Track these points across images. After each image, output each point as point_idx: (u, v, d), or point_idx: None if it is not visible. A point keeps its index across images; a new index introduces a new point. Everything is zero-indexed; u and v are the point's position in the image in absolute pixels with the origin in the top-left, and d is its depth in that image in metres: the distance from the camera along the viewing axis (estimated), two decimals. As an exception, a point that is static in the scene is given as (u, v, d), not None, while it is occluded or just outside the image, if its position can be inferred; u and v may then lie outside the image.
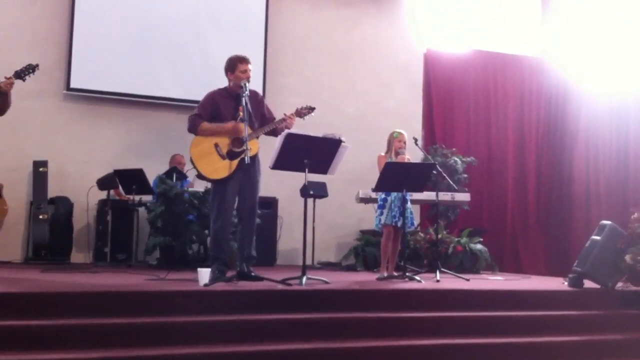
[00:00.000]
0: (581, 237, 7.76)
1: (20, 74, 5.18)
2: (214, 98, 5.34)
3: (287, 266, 8.24)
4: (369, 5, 9.97)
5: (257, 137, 5.30)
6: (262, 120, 5.42)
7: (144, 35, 8.69)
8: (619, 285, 5.39)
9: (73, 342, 3.65)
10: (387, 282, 5.69)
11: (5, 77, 5.08)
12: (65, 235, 8.00)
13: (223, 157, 5.20)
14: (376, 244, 7.70)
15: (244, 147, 4.94)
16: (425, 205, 9.34)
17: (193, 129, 5.26)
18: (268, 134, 5.42)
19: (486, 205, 10.22)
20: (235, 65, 5.30)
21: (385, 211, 6.15)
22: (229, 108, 5.30)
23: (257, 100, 5.44)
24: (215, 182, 5.27)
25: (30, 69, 5.20)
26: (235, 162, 5.17)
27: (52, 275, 5.69)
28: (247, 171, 5.10)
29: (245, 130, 5.00)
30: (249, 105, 5.15)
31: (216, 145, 5.21)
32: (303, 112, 5.50)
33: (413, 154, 6.88)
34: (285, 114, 5.38)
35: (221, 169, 5.17)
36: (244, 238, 5.28)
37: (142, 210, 8.05)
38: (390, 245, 6.20)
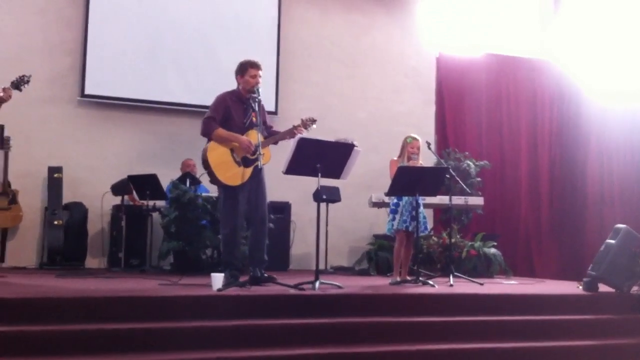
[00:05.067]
0: (595, 241, 7.71)
1: (18, 85, 5.23)
2: (226, 101, 5.34)
3: (300, 271, 8.24)
4: (379, 11, 9.97)
5: (268, 146, 5.36)
6: (264, 127, 5.47)
7: (157, 43, 8.76)
8: (634, 289, 5.35)
9: (87, 347, 3.67)
10: (401, 287, 5.67)
11: (3, 88, 5.12)
12: (79, 240, 8.03)
13: (239, 164, 5.21)
14: (389, 248, 7.68)
15: (258, 153, 4.96)
16: (438, 210, 9.31)
17: (207, 133, 5.24)
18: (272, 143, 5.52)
19: (499, 209, 10.15)
20: (246, 69, 5.33)
21: (397, 216, 6.13)
22: (238, 112, 5.32)
23: (262, 107, 5.46)
24: (227, 187, 5.27)
25: (25, 79, 5.26)
26: (250, 169, 5.19)
27: (67, 281, 5.72)
28: (257, 177, 5.12)
29: (258, 136, 5.03)
30: (264, 110, 5.20)
31: (232, 151, 5.23)
32: (307, 124, 5.54)
33: (426, 158, 6.85)
34: (293, 125, 5.46)
35: (236, 175, 5.18)
36: (255, 243, 5.29)
37: (155, 215, 8.08)
38: (402, 250, 6.19)
